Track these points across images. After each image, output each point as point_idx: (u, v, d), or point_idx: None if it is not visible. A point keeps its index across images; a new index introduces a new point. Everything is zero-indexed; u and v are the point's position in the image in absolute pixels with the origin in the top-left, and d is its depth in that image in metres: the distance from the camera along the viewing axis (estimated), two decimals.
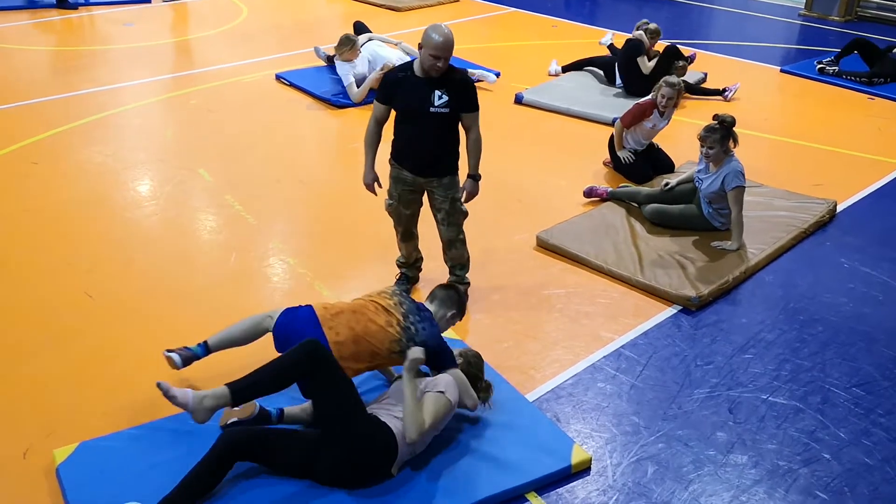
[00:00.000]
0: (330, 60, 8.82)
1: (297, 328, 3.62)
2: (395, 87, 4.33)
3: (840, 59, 9.11)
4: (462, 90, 4.32)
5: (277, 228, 5.71)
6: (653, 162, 6.50)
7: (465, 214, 4.65)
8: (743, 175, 5.41)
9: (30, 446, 3.61)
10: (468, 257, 4.82)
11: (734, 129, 5.52)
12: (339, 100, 7.86)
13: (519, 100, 8.09)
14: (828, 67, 9.07)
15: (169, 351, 3.86)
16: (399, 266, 4.94)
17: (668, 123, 6.47)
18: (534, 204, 6.10)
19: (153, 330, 4.48)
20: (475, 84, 4.48)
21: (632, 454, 3.71)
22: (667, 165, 6.54)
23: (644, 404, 4.03)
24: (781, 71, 9.43)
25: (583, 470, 3.58)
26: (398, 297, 3.77)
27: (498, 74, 8.82)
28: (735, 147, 5.53)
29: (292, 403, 3.70)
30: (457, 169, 4.53)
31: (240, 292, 4.88)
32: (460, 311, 3.95)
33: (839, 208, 6.11)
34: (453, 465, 3.48)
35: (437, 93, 4.25)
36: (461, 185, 4.56)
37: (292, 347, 3.37)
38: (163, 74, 8.67)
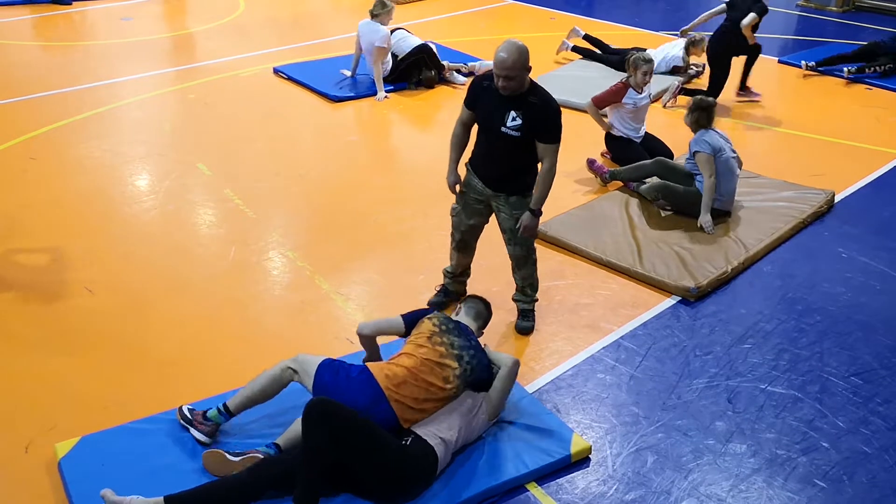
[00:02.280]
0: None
1: (359, 399, 3.37)
2: (477, 95, 4.16)
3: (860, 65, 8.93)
4: (540, 116, 4.02)
5: (277, 222, 5.72)
6: (650, 151, 6.51)
7: (535, 236, 4.40)
8: (706, 143, 5.54)
9: (31, 440, 3.62)
10: (537, 278, 4.53)
11: (707, 110, 5.67)
12: (336, 93, 7.87)
13: None
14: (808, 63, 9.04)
15: (187, 422, 3.54)
16: (445, 275, 4.67)
17: (649, 101, 6.53)
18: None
19: (153, 324, 4.49)
20: (556, 112, 4.06)
21: (631, 444, 3.72)
22: (665, 155, 6.54)
23: (643, 394, 4.04)
24: (779, 62, 9.43)
25: (583, 460, 3.60)
26: (447, 337, 3.64)
27: None
28: (701, 125, 5.65)
29: (279, 426, 3.63)
30: (529, 190, 4.22)
31: (239, 286, 4.88)
32: (485, 325, 3.99)
33: (837, 198, 6.12)
34: (455, 457, 3.49)
35: (512, 113, 4.02)
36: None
37: (310, 423, 3.16)
38: (160, 69, 8.67)
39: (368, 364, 3.57)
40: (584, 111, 7.66)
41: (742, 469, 3.60)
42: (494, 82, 3.99)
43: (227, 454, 3.36)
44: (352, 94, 7.92)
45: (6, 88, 7.89)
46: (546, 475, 3.51)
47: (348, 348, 4.29)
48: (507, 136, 4.06)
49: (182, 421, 3.56)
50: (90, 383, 4.01)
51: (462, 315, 3.91)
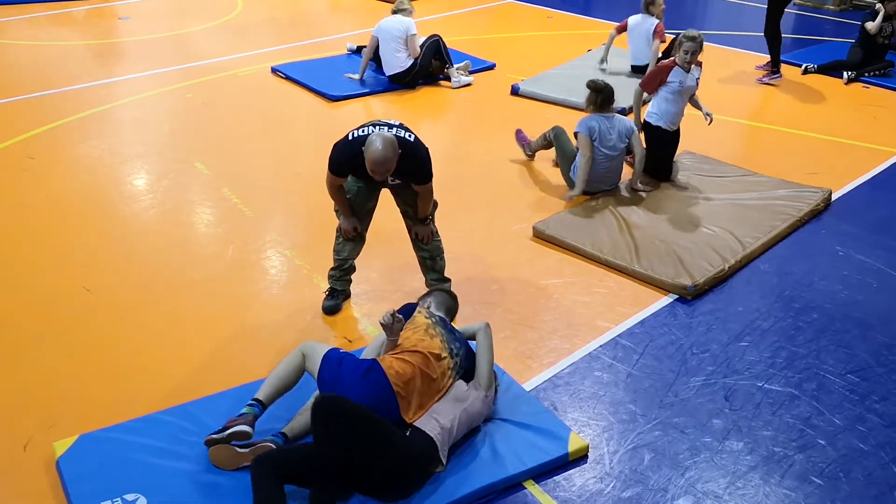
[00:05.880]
0: (359, 51, 8.94)
1: (366, 397, 3.34)
2: (351, 164, 4.16)
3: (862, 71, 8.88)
4: (414, 173, 4.23)
5: (275, 221, 5.72)
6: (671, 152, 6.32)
7: (436, 205, 4.54)
8: (584, 125, 5.88)
9: (30, 439, 3.62)
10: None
11: (599, 91, 5.95)
12: (335, 92, 7.87)
13: (515, 91, 8.10)
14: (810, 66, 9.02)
15: (219, 432, 3.38)
16: (331, 276, 4.62)
17: (696, 84, 6.20)
18: (530, 194, 6.12)
19: (151, 323, 4.50)
20: (425, 161, 4.22)
21: (628, 442, 3.73)
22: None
23: (640, 392, 4.05)
24: None
25: (580, 458, 3.60)
26: (438, 328, 3.66)
27: (493, 66, 8.83)
28: (591, 106, 5.99)
29: (282, 417, 3.62)
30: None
31: (238, 285, 4.89)
32: (453, 319, 4.01)
33: (834, 197, 6.13)
34: (451, 454, 3.50)
35: (389, 177, 4.20)
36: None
37: (320, 424, 3.15)
38: (159, 68, 8.67)
39: (379, 359, 3.54)
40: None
41: (739, 466, 3.61)
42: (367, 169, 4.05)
43: (235, 447, 3.36)
44: (350, 94, 7.93)
45: (5, 88, 7.90)
46: (543, 473, 3.51)
47: (346, 347, 4.30)
48: (393, 185, 4.34)
49: (215, 437, 3.37)
50: (89, 382, 4.02)
51: (433, 309, 3.89)
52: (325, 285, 4.72)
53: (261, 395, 3.51)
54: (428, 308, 3.88)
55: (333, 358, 3.50)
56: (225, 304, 4.70)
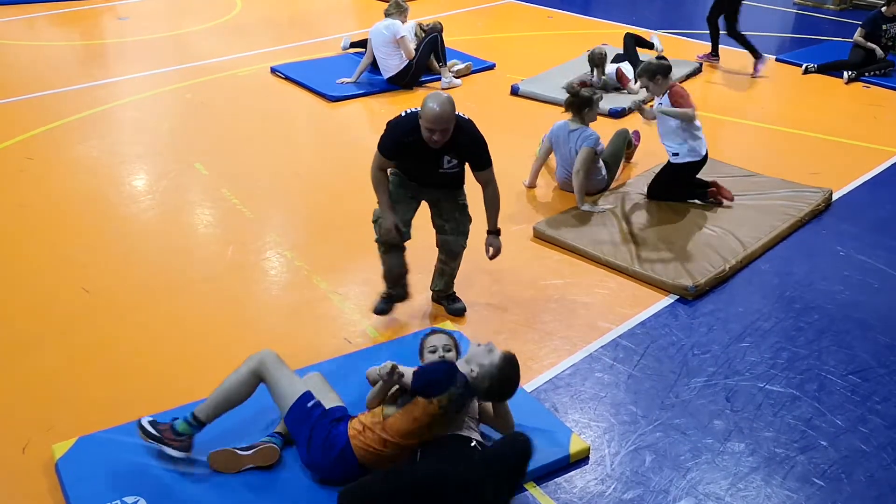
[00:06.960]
0: (355, 47, 9.00)
1: (335, 473, 3.28)
2: (402, 149, 4.10)
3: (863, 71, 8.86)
4: (473, 151, 4.16)
5: (274, 222, 5.71)
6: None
7: (471, 220, 4.49)
8: (552, 130, 6.14)
9: (29, 441, 3.61)
10: None
11: (572, 96, 6.07)
12: (334, 93, 7.86)
13: (515, 91, 8.08)
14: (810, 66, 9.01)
15: (154, 440, 3.31)
16: (387, 284, 4.52)
17: (660, 104, 5.81)
18: (530, 194, 6.11)
19: (150, 324, 4.49)
20: (483, 140, 4.16)
21: (629, 443, 3.72)
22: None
23: (641, 393, 4.04)
24: (777, 60, 9.43)
25: (581, 459, 3.59)
26: (448, 418, 3.28)
27: (493, 66, 8.82)
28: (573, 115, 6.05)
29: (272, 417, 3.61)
30: (464, 181, 4.35)
31: (237, 285, 4.88)
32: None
33: (835, 196, 6.12)
34: None
35: (446, 157, 4.13)
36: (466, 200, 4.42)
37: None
38: (158, 68, 8.66)
39: (351, 437, 3.28)
40: None
41: (740, 468, 3.60)
42: (423, 136, 3.97)
43: (236, 450, 3.35)
44: (349, 94, 7.92)
45: (4, 88, 7.89)
46: (544, 475, 3.50)
47: (346, 348, 4.29)
48: (447, 173, 4.21)
49: (148, 439, 3.31)
50: (88, 384, 4.01)
51: (480, 378, 3.34)
52: (325, 285, 4.72)
53: (200, 412, 3.36)
54: (458, 390, 3.26)
55: (306, 417, 3.33)
56: (224, 304, 4.69)
